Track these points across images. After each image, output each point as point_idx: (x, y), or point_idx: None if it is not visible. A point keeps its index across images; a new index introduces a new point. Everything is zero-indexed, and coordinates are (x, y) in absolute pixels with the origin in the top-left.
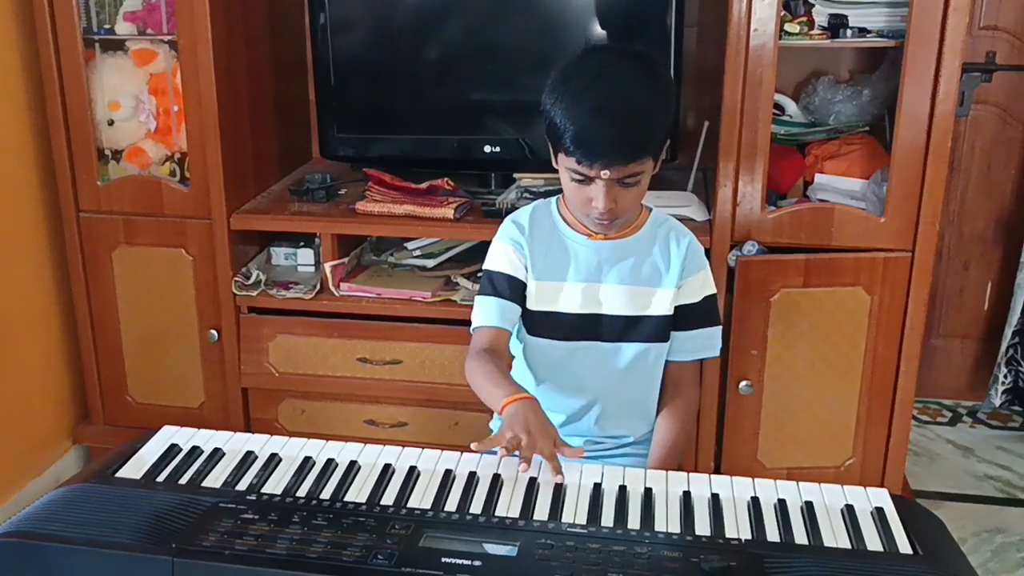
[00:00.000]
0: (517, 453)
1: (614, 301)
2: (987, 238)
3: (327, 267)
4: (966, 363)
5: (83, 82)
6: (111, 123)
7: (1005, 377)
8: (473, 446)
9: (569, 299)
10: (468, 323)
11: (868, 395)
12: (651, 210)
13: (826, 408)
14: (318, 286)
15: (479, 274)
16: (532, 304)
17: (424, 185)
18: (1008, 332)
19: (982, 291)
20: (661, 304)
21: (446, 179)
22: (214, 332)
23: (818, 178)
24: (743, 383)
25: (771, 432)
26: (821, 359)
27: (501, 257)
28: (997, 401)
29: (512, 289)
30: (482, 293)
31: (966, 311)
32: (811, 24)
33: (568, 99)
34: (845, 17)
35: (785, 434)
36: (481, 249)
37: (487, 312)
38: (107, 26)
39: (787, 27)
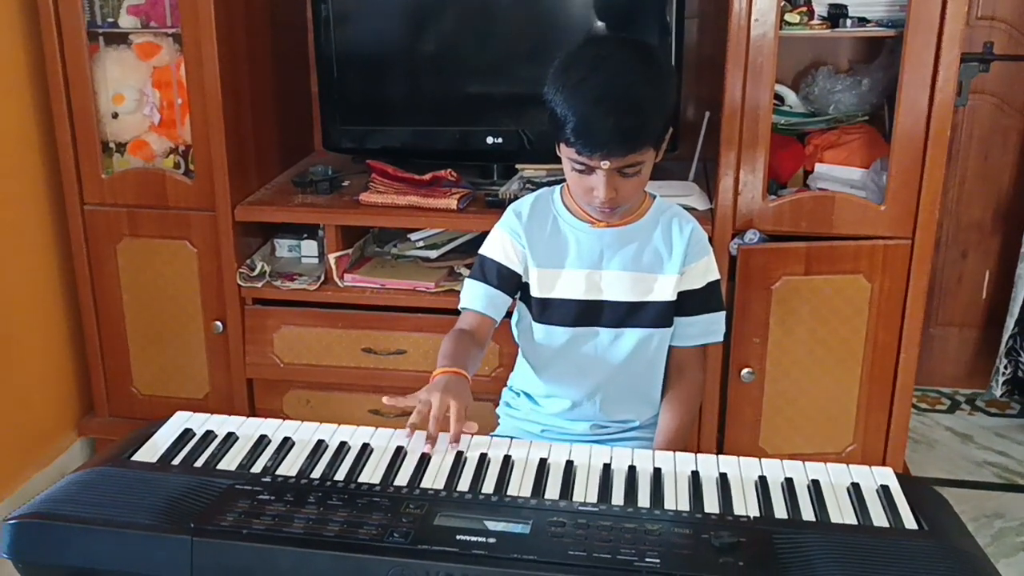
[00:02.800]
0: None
1: (616, 287)
2: (985, 227)
3: (331, 258)
4: (964, 351)
5: (87, 75)
6: (115, 116)
7: (1006, 368)
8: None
9: (571, 286)
10: None
11: (868, 382)
12: (655, 197)
13: (827, 395)
14: (322, 277)
15: None
16: (535, 291)
17: (427, 176)
18: (1009, 323)
19: (980, 280)
20: (664, 290)
21: (449, 170)
22: (219, 323)
23: (818, 167)
24: (745, 370)
25: (772, 419)
26: (822, 346)
27: (496, 245)
28: (998, 392)
29: (501, 278)
30: (472, 276)
31: (964, 300)
32: (811, 14)
33: (567, 90)
34: (844, 7)
35: (786, 421)
36: (484, 240)
37: (473, 296)
38: (111, 19)
39: (787, 17)
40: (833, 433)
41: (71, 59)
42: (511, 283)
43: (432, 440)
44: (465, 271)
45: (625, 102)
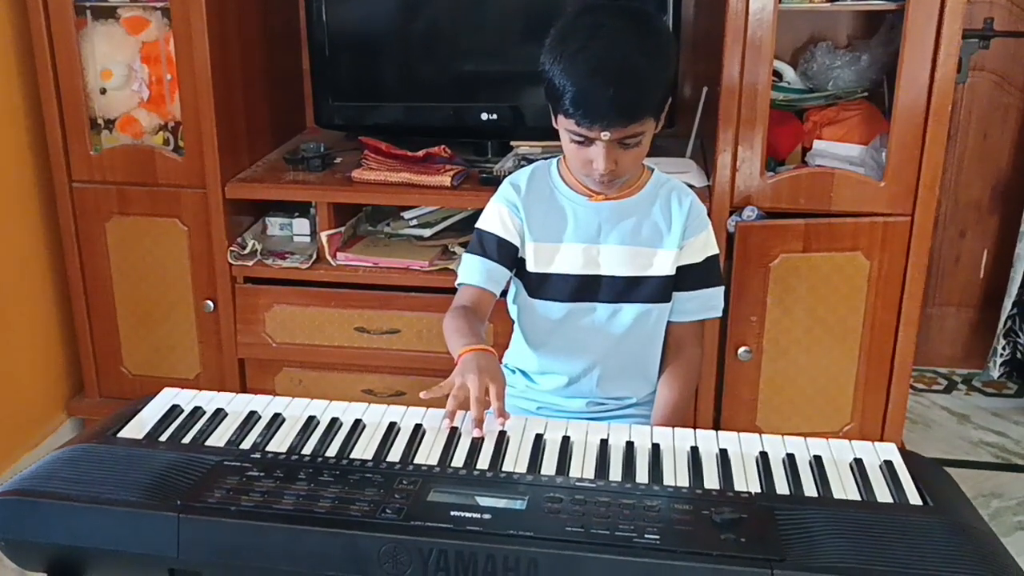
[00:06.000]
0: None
1: (614, 262)
2: (983, 206)
3: (323, 236)
4: (962, 331)
5: (74, 50)
6: (103, 92)
7: (1003, 349)
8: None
9: (568, 260)
10: None
11: (866, 360)
12: (652, 171)
13: (824, 373)
14: (314, 256)
15: None
16: (531, 266)
17: (421, 153)
18: (1007, 304)
19: (978, 259)
20: (663, 265)
21: (443, 147)
22: (210, 302)
23: (816, 144)
24: (742, 349)
25: (770, 398)
26: (820, 324)
27: (494, 218)
28: (995, 373)
29: (500, 251)
30: (470, 251)
31: (962, 279)
32: None
33: (565, 60)
34: None
35: (784, 399)
36: (478, 218)
37: (472, 271)
38: None
39: None
40: (831, 412)
41: (58, 34)
42: (510, 256)
43: (479, 422)
44: (459, 250)
45: (625, 72)
